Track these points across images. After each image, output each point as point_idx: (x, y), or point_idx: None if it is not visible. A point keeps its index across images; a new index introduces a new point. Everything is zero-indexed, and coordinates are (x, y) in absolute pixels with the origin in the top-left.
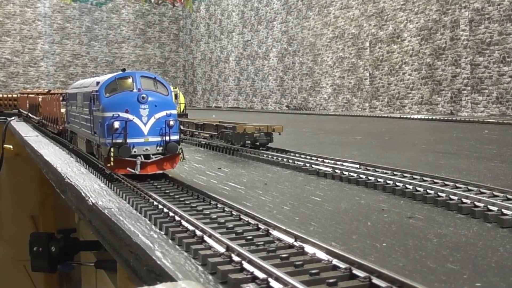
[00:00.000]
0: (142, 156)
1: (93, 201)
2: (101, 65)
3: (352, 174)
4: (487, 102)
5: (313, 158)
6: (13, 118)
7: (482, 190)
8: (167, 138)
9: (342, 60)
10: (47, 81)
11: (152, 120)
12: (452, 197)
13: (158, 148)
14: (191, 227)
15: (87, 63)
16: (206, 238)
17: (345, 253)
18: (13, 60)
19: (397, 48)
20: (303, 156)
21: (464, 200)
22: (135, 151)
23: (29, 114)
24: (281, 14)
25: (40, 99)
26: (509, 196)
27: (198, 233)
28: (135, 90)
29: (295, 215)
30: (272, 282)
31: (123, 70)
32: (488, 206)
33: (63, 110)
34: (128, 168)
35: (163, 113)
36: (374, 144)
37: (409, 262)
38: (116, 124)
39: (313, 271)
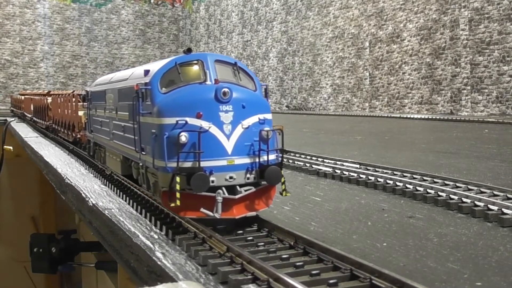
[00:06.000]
0: (224, 189)
1: (94, 202)
2: (101, 65)
3: (352, 174)
4: (487, 101)
5: (313, 158)
6: (13, 119)
7: (482, 189)
8: (263, 158)
9: (342, 60)
10: (47, 82)
11: (239, 130)
12: (452, 196)
13: (248, 175)
14: (192, 228)
15: (86, 63)
16: (206, 239)
17: (346, 253)
18: (12, 61)
19: (396, 48)
20: (303, 156)
21: (465, 200)
22: (213, 181)
23: (34, 118)
24: (280, 14)
25: (49, 100)
26: (509, 196)
27: (199, 234)
28: (209, 82)
29: (295, 215)
30: (273, 283)
31: (188, 50)
32: (489, 205)
33: (81, 113)
34: (202, 210)
35: (254, 119)
36: (374, 144)
37: (410, 261)
38: (183, 137)
39: (314, 272)
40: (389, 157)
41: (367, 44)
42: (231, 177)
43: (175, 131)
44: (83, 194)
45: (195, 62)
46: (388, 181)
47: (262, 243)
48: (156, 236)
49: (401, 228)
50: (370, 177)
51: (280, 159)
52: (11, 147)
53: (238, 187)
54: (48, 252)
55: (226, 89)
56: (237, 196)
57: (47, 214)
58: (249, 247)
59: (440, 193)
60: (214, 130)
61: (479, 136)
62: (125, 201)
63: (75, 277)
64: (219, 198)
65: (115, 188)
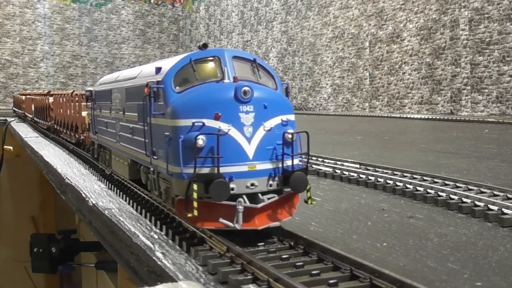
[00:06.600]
0: (245, 197)
1: (94, 202)
2: (101, 65)
3: (352, 174)
4: (487, 101)
5: (313, 158)
6: (13, 119)
7: (482, 189)
8: (286, 164)
9: (342, 60)
10: (47, 82)
11: (261, 133)
12: (452, 196)
13: (271, 182)
14: (192, 228)
15: (87, 63)
16: (206, 239)
17: (346, 253)
18: (13, 61)
19: (396, 48)
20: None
21: (465, 200)
22: (233, 189)
23: (35, 118)
24: (280, 14)
25: (51, 100)
26: (509, 195)
27: (199, 234)
28: (227, 80)
29: (295, 215)
30: (273, 283)
31: (203, 46)
32: (489, 205)
33: (84, 113)
34: (221, 220)
35: (277, 120)
36: (374, 144)
37: (410, 261)
38: (201, 141)
39: (314, 272)
40: (389, 157)
41: (367, 44)
42: (252, 184)
43: (191, 134)
44: (83, 194)
45: (211, 58)
46: (388, 181)
47: (262, 243)
48: (156, 236)
49: (401, 228)
50: (370, 177)
51: (305, 164)
52: (11, 147)
53: (260, 195)
54: (48, 252)
55: (246, 88)
56: (259, 205)
57: (47, 214)
58: (249, 247)
59: (440, 193)
60: (234, 132)
61: (479, 136)
62: (125, 201)
63: (75, 277)
64: (240, 208)
65: (115, 188)
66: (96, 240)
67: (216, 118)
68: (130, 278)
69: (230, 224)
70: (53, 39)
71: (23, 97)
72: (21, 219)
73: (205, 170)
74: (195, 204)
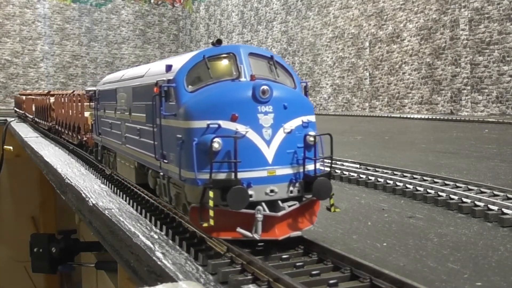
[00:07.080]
0: (264, 205)
1: (94, 202)
2: (101, 65)
3: (352, 174)
4: (487, 101)
5: None
6: (13, 119)
7: (482, 189)
8: (308, 168)
9: (342, 60)
10: (47, 82)
11: (281, 135)
12: (452, 196)
13: (291, 188)
14: (192, 228)
15: (87, 64)
16: (207, 239)
17: (346, 253)
18: (13, 61)
19: (396, 48)
20: None
21: (465, 200)
22: (251, 196)
23: (36, 119)
24: (280, 14)
25: (52, 100)
26: (509, 195)
27: (199, 234)
28: (243, 79)
29: None
30: (273, 283)
31: (218, 42)
32: (489, 205)
33: (87, 113)
34: (239, 230)
35: (297, 121)
36: (374, 144)
37: (410, 261)
38: (217, 144)
39: (314, 272)
40: (389, 157)
41: (367, 44)
42: (272, 191)
43: (206, 136)
44: (83, 194)
45: (226, 55)
46: (388, 181)
47: (262, 243)
48: (156, 236)
49: (401, 228)
50: (370, 177)
51: (328, 168)
52: (11, 147)
53: (280, 202)
54: (48, 252)
55: (265, 87)
56: (280, 214)
57: (47, 214)
58: (249, 247)
59: (440, 193)
60: (252, 135)
61: (479, 136)
62: (125, 201)
63: (75, 277)
64: (259, 216)
65: (115, 188)
66: (96, 240)
67: (233, 119)
68: (130, 278)
69: (249, 234)
70: (53, 39)
71: (24, 97)
72: (21, 219)
73: (222, 176)
74: (211, 212)
